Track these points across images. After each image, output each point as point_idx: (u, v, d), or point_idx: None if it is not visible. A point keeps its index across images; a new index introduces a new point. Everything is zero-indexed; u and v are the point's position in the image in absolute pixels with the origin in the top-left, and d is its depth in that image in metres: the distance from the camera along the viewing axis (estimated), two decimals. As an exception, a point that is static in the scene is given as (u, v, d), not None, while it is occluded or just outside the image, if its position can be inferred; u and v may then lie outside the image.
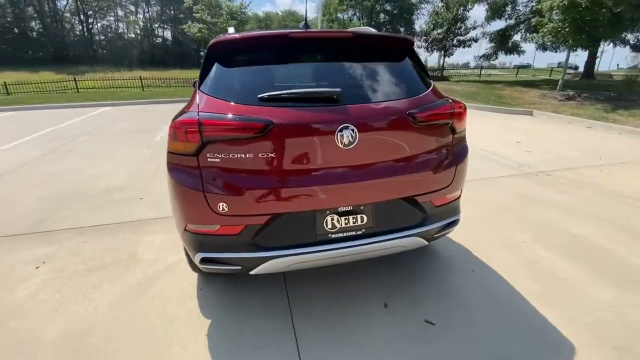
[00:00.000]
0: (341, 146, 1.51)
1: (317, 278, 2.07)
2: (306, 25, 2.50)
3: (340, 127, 1.50)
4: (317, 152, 1.52)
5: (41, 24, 35.75)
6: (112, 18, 40.75)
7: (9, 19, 32.60)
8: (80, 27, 38.00)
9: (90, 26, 38.20)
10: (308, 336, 1.67)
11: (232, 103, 1.51)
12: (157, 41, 42.14)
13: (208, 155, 1.46)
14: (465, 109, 1.80)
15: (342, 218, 1.60)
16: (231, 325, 1.75)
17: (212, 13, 21.47)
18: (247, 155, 1.46)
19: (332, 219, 1.59)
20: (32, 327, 1.75)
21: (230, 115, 1.46)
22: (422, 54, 20.52)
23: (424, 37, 20.26)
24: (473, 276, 2.09)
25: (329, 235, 1.60)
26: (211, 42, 1.72)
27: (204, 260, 1.58)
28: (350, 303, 1.88)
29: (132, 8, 41.70)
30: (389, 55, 1.82)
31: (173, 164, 1.56)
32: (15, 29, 33.52)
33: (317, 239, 1.59)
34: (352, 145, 1.52)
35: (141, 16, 41.96)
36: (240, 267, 1.58)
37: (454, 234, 2.38)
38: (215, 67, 1.64)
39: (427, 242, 1.77)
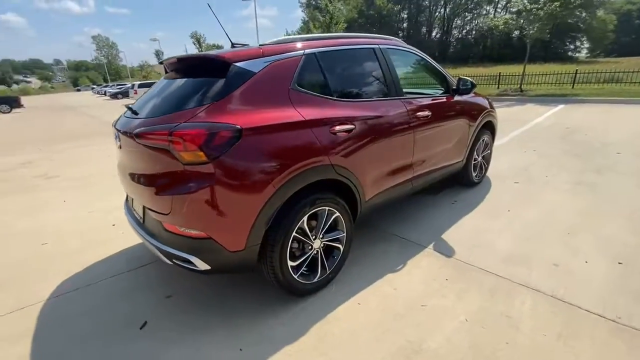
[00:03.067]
0: (118, 148, 2.02)
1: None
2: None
3: (116, 133, 1.98)
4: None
5: (405, 33, 44.27)
6: (468, 16, 42.38)
7: (388, 30, 43.86)
8: (441, 30, 42.93)
9: (449, 28, 41.97)
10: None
11: None
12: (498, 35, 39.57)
13: None
14: (198, 140, 1.51)
15: (136, 206, 2.04)
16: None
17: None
18: None
19: (137, 207, 2.00)
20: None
21: None
22: None
23: None
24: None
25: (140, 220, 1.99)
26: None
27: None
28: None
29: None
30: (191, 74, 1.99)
31: None
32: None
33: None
34: (121, 150, 2.00)
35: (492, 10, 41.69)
36: None
37: None
38: None
39: (169, 262, 1.77)
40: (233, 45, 2.23)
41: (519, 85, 13.06)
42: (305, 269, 2.02)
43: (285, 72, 1.86)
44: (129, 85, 27.16)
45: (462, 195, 3.59)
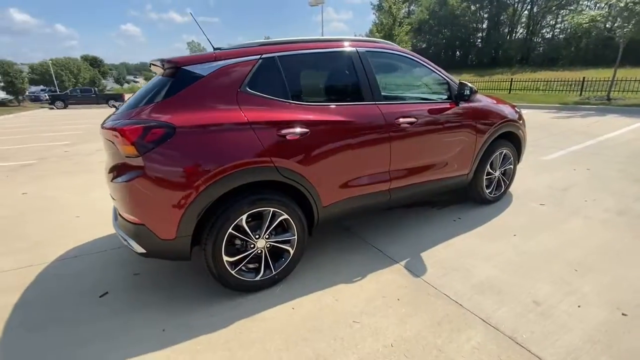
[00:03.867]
0: None
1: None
2: None
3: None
4: None
5: (483, 34, 42.31)
6: (562, 13, 35.98)
7: (463, 31, 41.95)
8: (525, 29, 39.07)
9: (535, 27, 37.98)
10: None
11: None
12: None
13: None
14: (132, 135, 1.70)
15: None
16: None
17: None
18: None
19: None
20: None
21: None
22: None
23: None
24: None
25: None
26: None
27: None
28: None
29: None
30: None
31: None
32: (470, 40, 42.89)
33: None
34: None
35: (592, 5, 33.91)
36: None
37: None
38: None
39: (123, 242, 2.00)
40: (215, 49, 2.40)
41: (606, 93, 11.04)
42: (247, 266, 2.08)
43: (235, 75, 1.95)
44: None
45: (469, 212, 3.24)
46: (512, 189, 3.72)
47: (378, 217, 3.20)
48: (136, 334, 1.80)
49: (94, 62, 59.62)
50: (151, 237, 1.82)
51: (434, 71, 2.82)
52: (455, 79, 2.92)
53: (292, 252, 2.19)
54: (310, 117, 2.09)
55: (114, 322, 1.89)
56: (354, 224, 3.10)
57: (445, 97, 2.85)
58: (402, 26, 21.24)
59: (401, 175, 2.57)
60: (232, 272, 1.99)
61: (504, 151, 3.27)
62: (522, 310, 1.89)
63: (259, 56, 2.04)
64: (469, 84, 2.74)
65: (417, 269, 2.35)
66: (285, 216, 2.08)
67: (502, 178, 3.41)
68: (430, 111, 2.67)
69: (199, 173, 1.76)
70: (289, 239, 2.17)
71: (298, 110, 2.07)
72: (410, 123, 2.49)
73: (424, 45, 45.32)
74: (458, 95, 2.75)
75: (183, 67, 1.87)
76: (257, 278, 2.09)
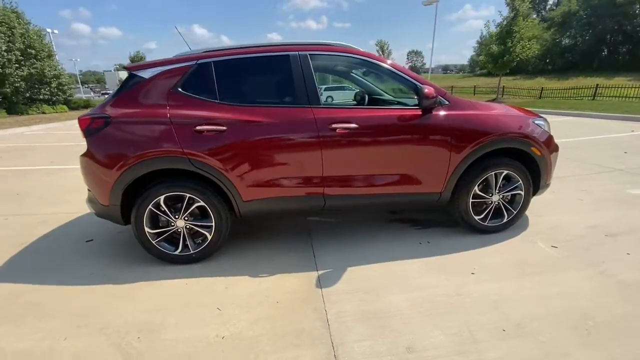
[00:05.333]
0: None
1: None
2: None
3: None
4: None
5: None
6: None
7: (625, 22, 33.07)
8: None
9: None
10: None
11: None
12: None
13: None
14: (83, 124, 2.25)
15: None
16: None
17: None
18: None
19: None
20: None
21: None
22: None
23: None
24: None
25: None
26: None
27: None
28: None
29: None
30: None
31: None
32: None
33: None
34: None
35: None
36: None
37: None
38: None
39: None
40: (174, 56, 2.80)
41: None
42: (170, 240, 2.42)
43: (170, 78, 2.30)
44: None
45: (448, 238, 2.78)
46: (540, 221, 3.00)
47: (351, 225, 3.10)
48: (75, 270, 2.41)
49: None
50: (95, 202, 2.37)
51: (401, 76, 2.53)
52: (433, 84, 2.56)
53: (209, 237, 2.42)
54: (231, 116, 2.27)
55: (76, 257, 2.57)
56: (318, 226, 3.10)
57: (411, 104, 2.53)
58: (526, 20, 18.02)
59: (339, 183, 2.46)
60: (153, 242, 2.37)
61: (506, 172, 2.65)
62: (384, 350, 1.63)
63: (195, 62, 2.34)
64: (435, 91, 2.37)
65: (327, 281, 2.24)
66: (202, 203, 2.34)
67: (505, 205, 2.77)
68: (382, 118, 2.44)
69: (123, 156, 2.19)
70: (209, 225, 2.41)
71: (221, 110, 2.28)
72: (350, 129, 2.36)
73: (568, 42, 37.23)
74: (420, 102, 2.41)
75: (132, 72, 2.34)
76: (176, 252, 2.42)
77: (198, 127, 2.23)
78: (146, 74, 2.31)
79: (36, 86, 17.73)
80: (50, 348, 1.68)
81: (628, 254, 2.41)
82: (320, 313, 1.92)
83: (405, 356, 1.59)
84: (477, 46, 20.06)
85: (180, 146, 2.21)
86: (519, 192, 2.74)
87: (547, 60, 40.29)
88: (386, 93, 3.05)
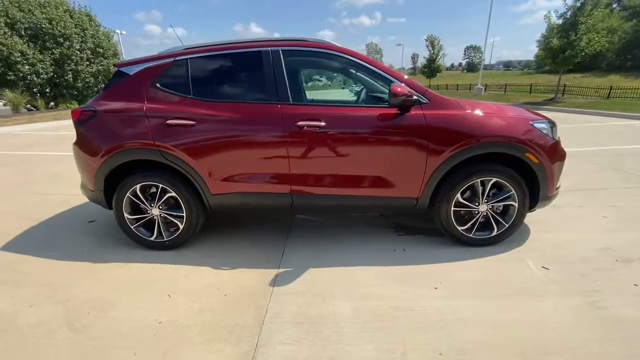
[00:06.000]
0: None
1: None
2: None
3: None
4: None
5: None
6: None
7: None
8: None
9: None
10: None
11: None
12: None
13: None
14: (75, 115, 2.48)
15: None
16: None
17: None
18: None
19: None
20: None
21: None
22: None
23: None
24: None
25: None
26: None
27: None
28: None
29: None
30: None
31: None
32: None
33: None
34: None
35: None
36: None
37: None
38: None
39: None
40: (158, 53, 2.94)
41: None
42: (146, 226, 2.59)
43: (150, 74, 2.43)
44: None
45: (429, 248, 2.60)
46: (543, 237, 2.69)
47: (335, 226, 3.06)
48: (68, 247, 2.67)
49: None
50: (85, 187, 2.61)
51: (378, 73, 2.40)
52: (412, 81, 2.39)
53: (181, 227, 2.54)
54: (200, 110, 2.34)
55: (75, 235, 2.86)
56: (303, 224, 3.09)
57: (387, 102, 2.39)
58: (596, 10, 15.84)
59: (307, 183, 2.41)
60: (132, 226, 2.56)
61: (495, 180, 2.39)
62: (304, 358, 1.58)
63: (173, 58, 2.45)
64: (410, 89, 2.21)
65: (282, 280, 2.23)
66: (173, 194, 2.46)
67: (495, 216, 2.49)
68: (353, 117, 2.34)
69: (104, 145, 2.39)
70: (181, 215, 2.53)
71: (192, 105, 2.37)
72: (319, 127, 2.30)
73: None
74: (389, 100, 2.25)
75: (118, 68, 2.52)
76: (151, 238, 2.58)
77: (169, 121, 2.34)
78: (131, 70, 2.48)
79: (104, 82, 19.93)
80: (16, 312, 1.91)
81: (635, 285, 2.03)
82: (260, 311, 1.92)
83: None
84: (541, 40, 17.94)
85: (153, 139, 2.34)
86: (511, 203, 2.45)
87: (628, 56, 35.07)
88: (368, 91, 2.91)
